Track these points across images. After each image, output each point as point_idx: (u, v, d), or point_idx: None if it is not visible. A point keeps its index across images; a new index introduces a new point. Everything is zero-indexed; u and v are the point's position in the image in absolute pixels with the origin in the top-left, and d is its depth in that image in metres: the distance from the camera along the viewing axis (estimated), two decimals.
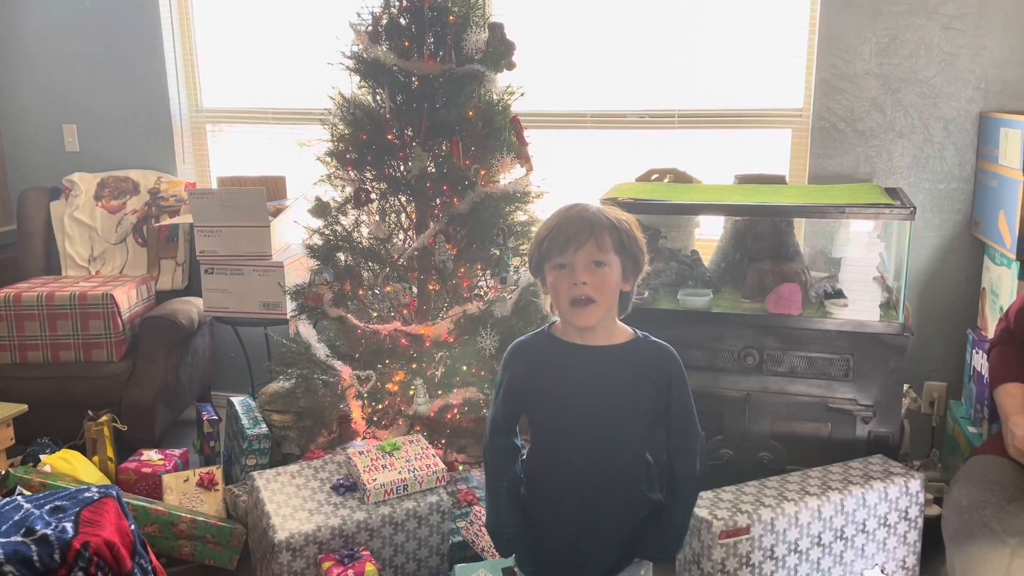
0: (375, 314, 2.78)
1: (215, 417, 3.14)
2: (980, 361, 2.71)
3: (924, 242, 3.02)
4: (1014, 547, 1.80)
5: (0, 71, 3.88)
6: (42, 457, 2.72)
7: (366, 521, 2.27)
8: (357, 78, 2.71)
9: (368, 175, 2.72)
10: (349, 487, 2.39)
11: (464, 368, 2.66)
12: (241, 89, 3.75)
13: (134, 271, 3.57)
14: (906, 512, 2.30)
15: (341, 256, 2.76)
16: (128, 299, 3.27)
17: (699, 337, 2.56)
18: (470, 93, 2.65)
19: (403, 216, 2.81)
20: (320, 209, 2.76)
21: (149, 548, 2.17)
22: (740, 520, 2.09)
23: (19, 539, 1.85)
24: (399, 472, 2.38)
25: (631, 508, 1.68)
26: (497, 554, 2.09)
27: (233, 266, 3.13)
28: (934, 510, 2.44)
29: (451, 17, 2.60)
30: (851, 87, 3.00)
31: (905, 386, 2.69)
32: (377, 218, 2.76)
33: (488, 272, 2.77)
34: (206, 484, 2.71)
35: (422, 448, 2.50)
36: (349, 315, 2.72)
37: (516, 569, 1.77)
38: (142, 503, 2.50)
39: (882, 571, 2.31)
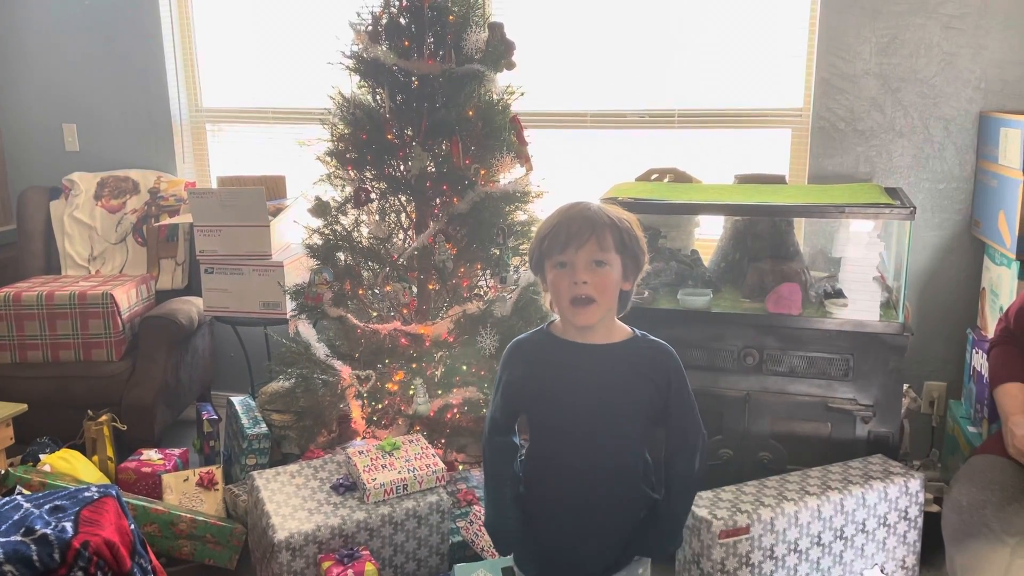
0: (375, 314, 2.78)
1: (215, 417, 3.14)
2: (980, 361, 2.70)
3: (924, 242, 3.02)
4: (1014, 547, 1.80)
5: (0, 71, 3.88)
6: (42, 457, 2.72)
7: (366, 521, 2.27)
8: (357, 78, 2.71)
9: (368, 175, 2.72)
10: (349, 487, 2.39)
11: (464, 368, 2.66)
12: (241, 89, 3.75)
13: (134, 271, 3.57)
14: (906, 512, 2.30)
15: (341, 256, 2.76)
16: (128, 299, 3.27)
17: (699, 337, 2.56)
18: (470, 93, 2.65)
19: (403, 216, 2.81)
20: (320, 209, 2.76)
21: (149, 548, 2.17)
22: (740, 520, 2.09)
23: (19, 539, 1.85)
24: (399, 472, 2.38)
25: (630, 507, 1.68)
26: (497, 553, 2.10)
27: (233, 266, 3.12)
28: (933, 509, 2.43)
29: (451, 17, 2.60)
30: (851, 87, 3.00)
31: (905, 386, 2.69)
32: (377, 218, 2.76)
33: (488, 272, 2.77)
34: (206, 484, 2.71)
35: (422, 448, 2.50)
36: (349, 315, 2.72)
37: (516, 568, 1.77)
38: (142, 503, 2.50)
39: (882, 571, 2.31)
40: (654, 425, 1.67)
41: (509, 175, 2.75)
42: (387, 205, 2.78)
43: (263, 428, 2.87)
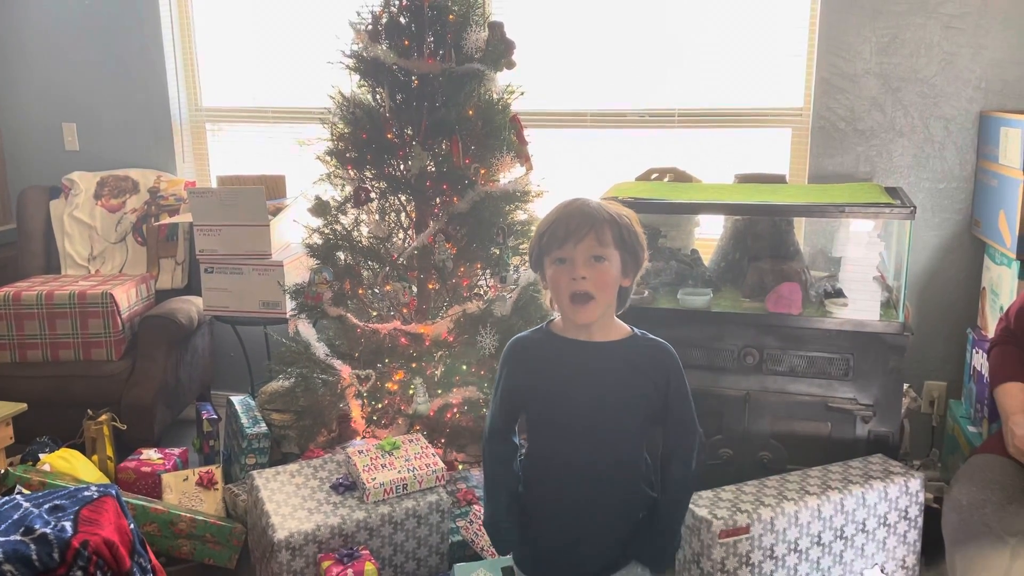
0: (375, 313, 2.78)
1: (215, 416, 3.14)
2: (980, 360, 2.70)
3: (924, 242, 3.02)
4: (1014, 546, 1.80)
5: (0, 71, 3.88)
6: (41, 456, 2.72)
7: (365, 520, 2.26)
8: (357, 77, 2.71)
9: (368, 174, 2.72)
10: (348, 486, 2.39)
11: (464, 367, 2.66)
12: (241, 88, 3.75)
13: (134, 270, 3.57)
14: (906, 511, 2.30)
15: (341, 255, 2.76)
16: (127, 298, 3.27)
17: (699, 336, 2.55)
18: (470, 92, 2.65)
19: (403, 215, 2.81)
20: (320, 208, 2.76)
21: (148, 547, 2.17)
22: (740, 519, 2.09)
23: (18, 538, 1.85)
24: (399, 471, 2.37)
25: (629, 506, 1.67)
26: (496, 553, 2.09)
27: (233, 265, 3.12)
28: (933, 505, 2.43)
29: (451, 16, 2.60)
30: (851, 86, 3.00)
31: (905, 385, 2.69)
32: (377, 217, 2.76)
33: (488, 271, 2.77)
34: (205, 483, 2.71)
35: (422, 447, 2.50)
36: (349, 314, 2.72)
37: (515, 568, 1.76)
38: (141, 502, 2.50)
39: (882, 570, 2.31)
40: (652, 424, 1.67)
41: (509, 174, 2.75)
42: (387, 204, 2.78)
43: (263, 428, 2.86)
